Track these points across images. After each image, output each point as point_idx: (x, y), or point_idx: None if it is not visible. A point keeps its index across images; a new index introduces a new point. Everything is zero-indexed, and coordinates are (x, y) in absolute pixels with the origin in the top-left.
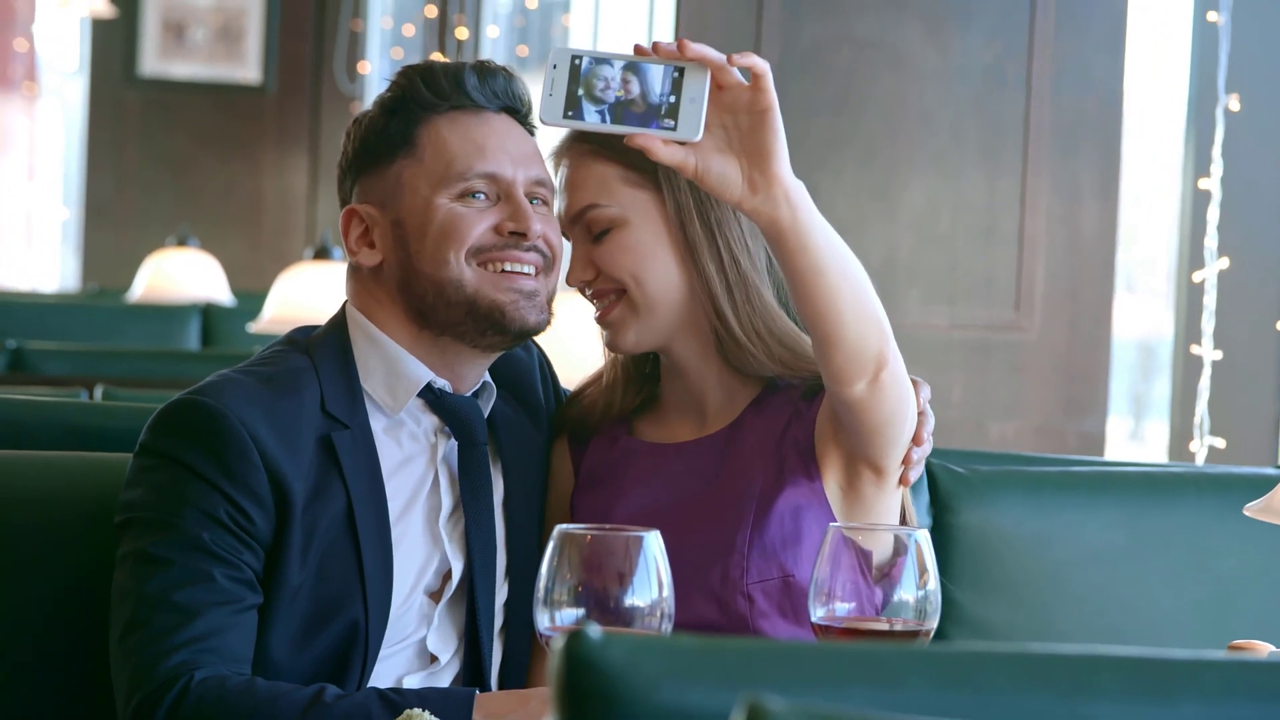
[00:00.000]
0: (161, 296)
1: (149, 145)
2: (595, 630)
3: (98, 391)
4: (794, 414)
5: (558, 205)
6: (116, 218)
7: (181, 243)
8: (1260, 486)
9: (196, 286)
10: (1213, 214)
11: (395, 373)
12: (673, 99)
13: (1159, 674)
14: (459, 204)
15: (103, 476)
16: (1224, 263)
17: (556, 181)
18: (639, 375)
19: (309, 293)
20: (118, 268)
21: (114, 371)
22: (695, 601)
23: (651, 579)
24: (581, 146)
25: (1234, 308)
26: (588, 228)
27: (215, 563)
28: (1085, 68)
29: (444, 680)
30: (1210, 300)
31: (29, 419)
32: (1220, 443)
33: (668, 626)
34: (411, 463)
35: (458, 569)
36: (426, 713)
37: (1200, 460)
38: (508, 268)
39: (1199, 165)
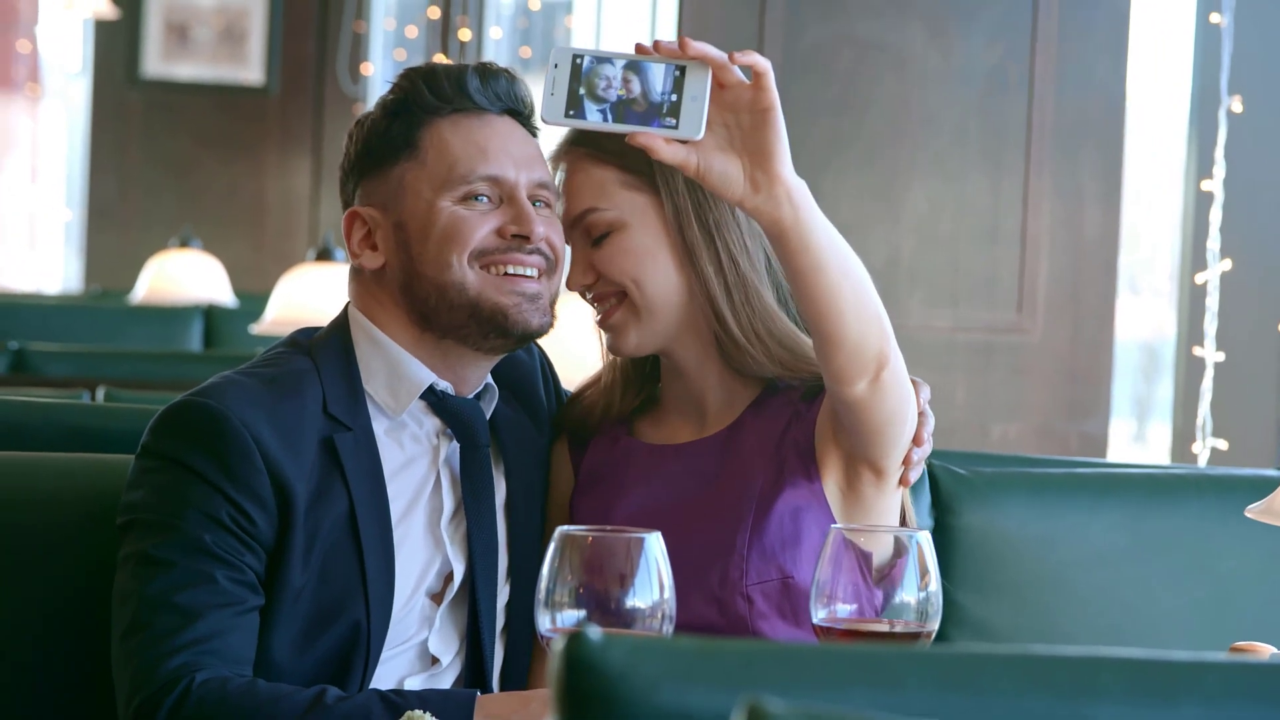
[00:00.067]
0: (164, 298)
1: (152, 146)
2: (595, 632)
3: (100, 393)
4: (794, 415)
5: (556, 209)
6: (119, 219)
7: (184, 244)
8: (1262, 488)
9: (199, 288)
10: (1215, 215)
11: (397, 375)
12: (674, 97)
13: (1160, 676)
14: (461, 207)
15: (104, 478)
16: (1226, 264)
17: None
18: (638, 377)
19: (311, 294)
20: (120, 269)
21: (116, 373)
22: (694, 602)
23: (652, 580)
24: (579, 151)
25: (1236, 309)
26: (587, 231)
27: (217, 564)
28: (1088, 69)
29: (445, 682)
30: (1213, 302)
31: (31, 420)
32: (1223, 444)
33: (669, 628)
34: (413, 464)
35: (459, 571)
36: (427, 714)
37: (1202, 462)
38: (510, 270)
39: (1201, 167)
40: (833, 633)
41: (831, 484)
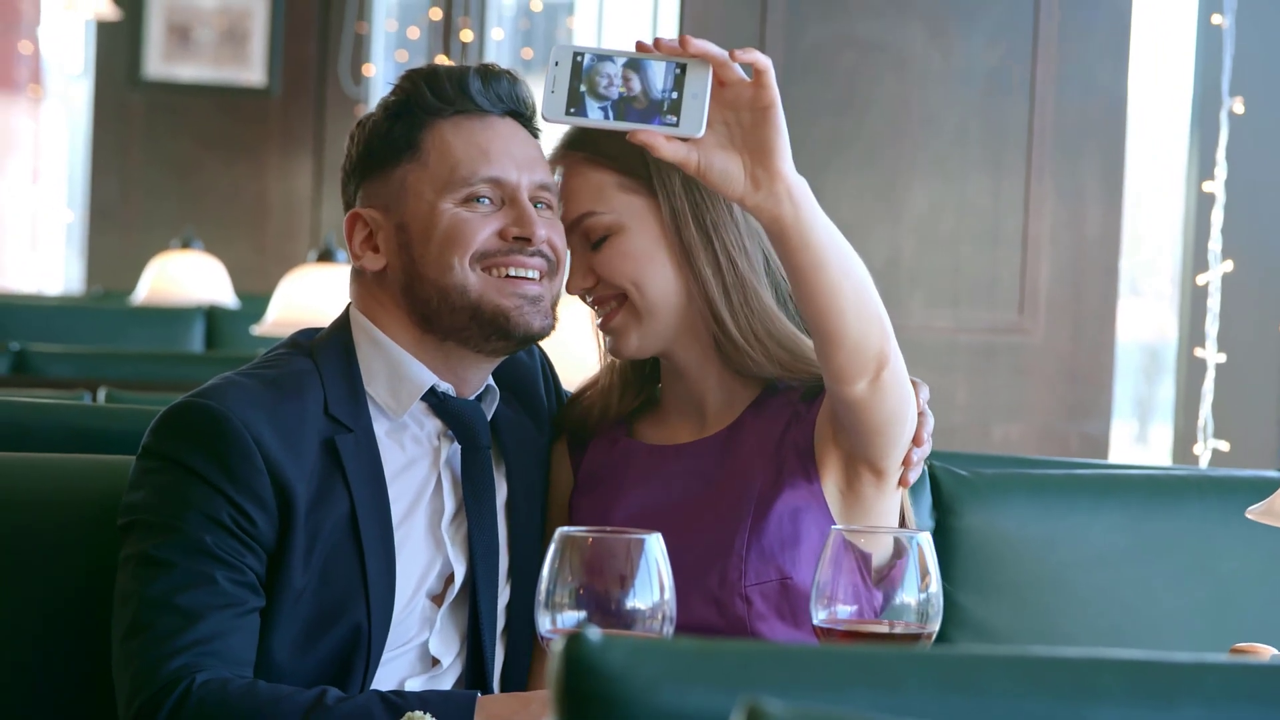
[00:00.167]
0: (166, 299)
1: (153, 148)
2: (595, 633)
3: (101, 394)
4: (793, 416)
5: (557, 211)
6: (121, 220)
7: (186, 245)
8: (1263, 489)
9: (201, 289)
10: (1216, 217)
11: (398, 376)
12: (675, 95)
13: (1161, 677)
14: (463, 209)
15: (106, 479)
16: (1228, 266)
17: None
18: (637, 379)
19: (313, 295)
20: (122, 270)
21: (118, 374)
22: (693, 603)
23: (653, 581)
24: (575, 155)
25: (1238, 311)
26: (585, 235)
27: (218, 566)
28: (1089, 70)
29: (446, 683)
30: (1214, 303)
31: (32, 421)
32: (1224, 445)
33: (669, 629)
34: (414, 466)
35: (460, 572)
36: (428, 715)
37: (1204, 463)
38: (512, 273)
39: (1203, 168)
40: (833, 634)
41: (831, 485)
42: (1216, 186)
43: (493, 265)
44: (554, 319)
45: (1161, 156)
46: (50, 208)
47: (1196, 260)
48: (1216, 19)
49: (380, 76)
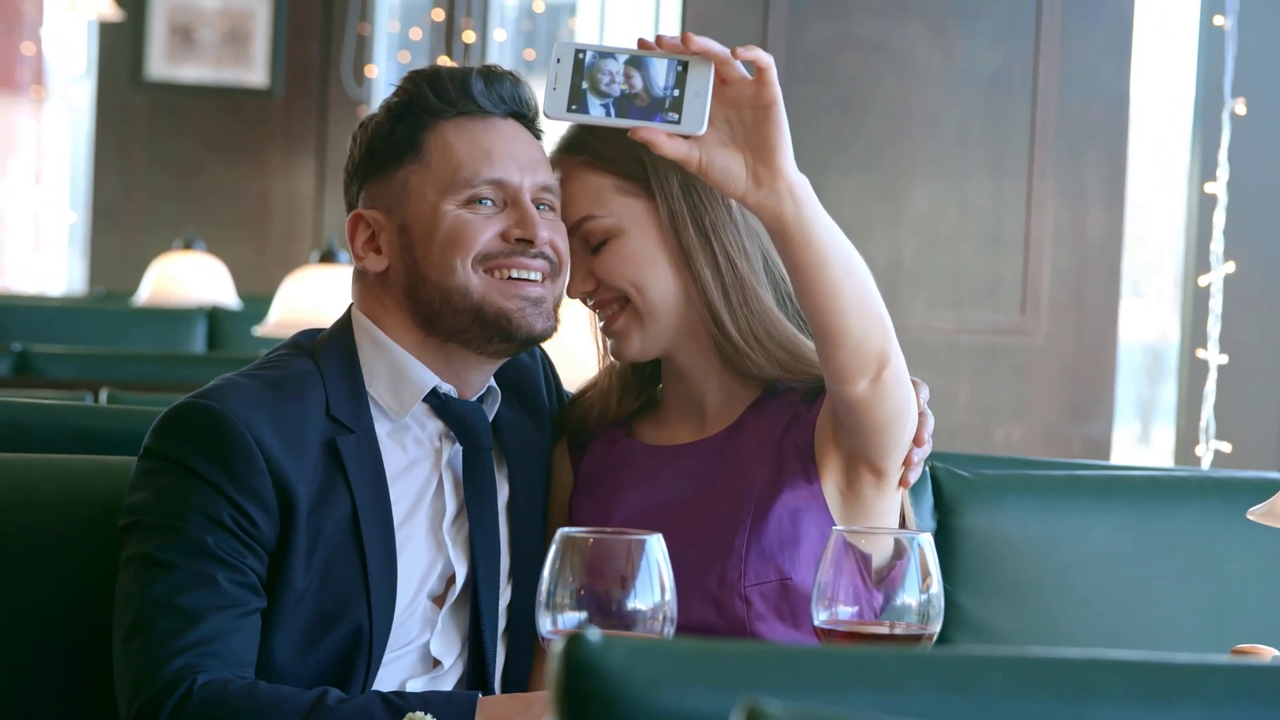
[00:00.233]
0: (168, 300)
1: (156, 148)
2: (594, 633)
3: (103, 395)
4: (793, 416)
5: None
6: (123, 221)
7: (188, 246)
8: (1264, 490)
9: (203, 290)
10: (1218, 218)
11: (400, 377)
12: (676, 93)
13: (1161, 678)
14: (466, 210)
15: (107, 480)
16: (1230, 267)
17: None
18: (637, 380)
19: (315, 296)
20: (124, 271)
21: (119, 375)
22: (693, 604)
23: (654, 582)
24: (572, 159)
25: (1240, 312)
26: (585, 239)
27: (219, 566)
28: (1091, 71)
29: (447, 684)
30: (1216, 304)
31: (34, 422)
32: (1226, 447)
33: (670, 630)
34: (416, 467)
35: (461, 574)
36: (429, 716)
37: (1206, 464)
38: (514, 274)
39: (1205, 169)
40: (834, 635)
41: (831, 485)
42: (1218, 188)
43: (495, 267)
44: (556, 321)
45: (1163, 157)
46: (53, 208)
47: (1198, 261)
48: (1219, 20)
49: (382, 77)
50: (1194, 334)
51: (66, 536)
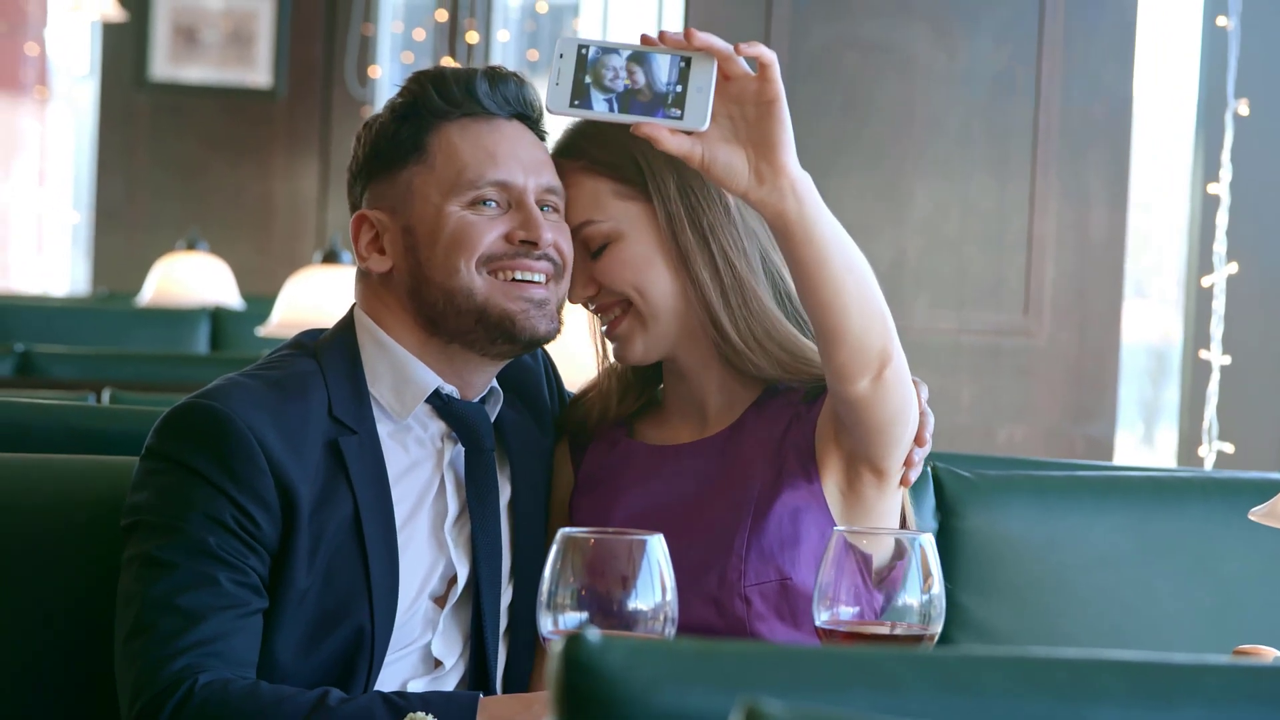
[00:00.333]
0: (171, 300)
1: (159, 149)
2: (594, 634)
3: (105, 395)
4: (794, 416)
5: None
6: (126, 221)
7: (191, 246)
8: (1266, 491)
9: (206, 290)
10: (1221, 219)
11: (403, 378)
12: (679, 88)
13: (1161, 678)
14: (470, 212)
15: (109, 480)
16: (1233, 268)
17: None
18: (638, 382)
19: (318, 297)
20: (127, 271)
21: (122, 375)
22: (693, 604)
23: (655, 583)
24: (571, 164)
25: (1243, 313)
26: (584, 244)
27: (220, 567)
28: (1094, 72)
29: (449, 685)
30: (1219, 305)
31: (36, 422)
32: (1229, 448)
33: (671, 630)
34: (418, 468)
35: (463, 574)
36: (430, 716)
37: (1209, 465)
38: (518, 276)
39: (1208, 170)
40: (835, 635)
41: (831, 485)
42: (1221, 188)
43: (499, 268)
44: (559, 323)
45: (1166, 158)
46: (56, 209)
47: (1201, 262)
48: (1221, 21)
49: (386, 78)
50: (1197, 335)
51: (68, 537)
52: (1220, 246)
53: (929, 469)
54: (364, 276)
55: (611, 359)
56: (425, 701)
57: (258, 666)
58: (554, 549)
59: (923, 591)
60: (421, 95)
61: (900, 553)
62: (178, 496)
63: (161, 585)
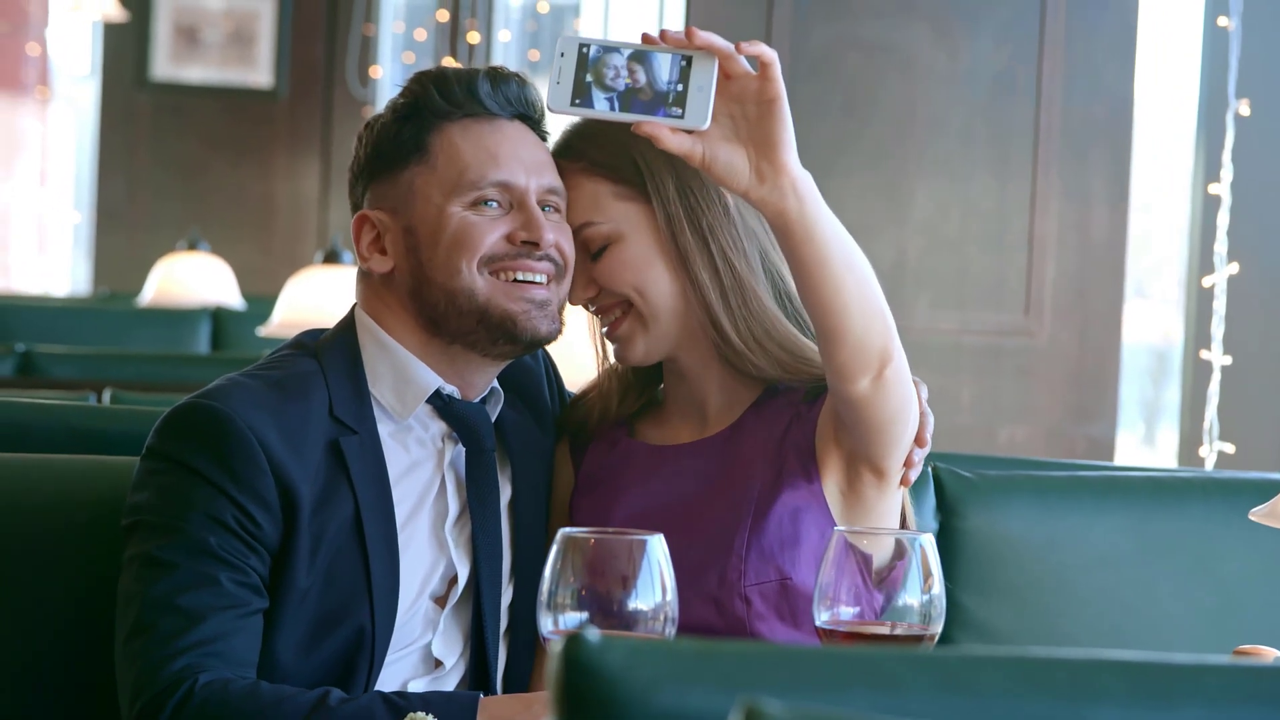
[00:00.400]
0: (172, 300)
1: (160, 149)
2: (593, 633)
3: (106, 395)
4: (795, 416)
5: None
6: (127, 221)
7: (192, 246)
8: (1267, 491)
9: (207, 290)
10: (1223, 219)
11: (404, 379)
12: (680, 87)
13: (1161, 678)
14: (471, 212)
15: (110, 480)
16: (1234, 268)
17: None
18: (638, 382)
19: (319, 297)
20: (128, 271)
21: (123, 375)
22: (692, 603)
23: (655, 583)
24: (569, 165)
25: (1244, 313)
26: (584, 246)
27: (221, 567)
28: (1095, 72)
29: (449, 685)
30: (1220, 305)
31: (37, 422)
32: (1230, 448)
33: (671, 630)
34: (418, 468)
35: (463, 574)
36: (430, 716)
37: (1209, 466)
38: (520, 277)
39: (1209, 170)
40: (836, 635)
41: (831, 485)
42: (1222, 189)
43: (500, 269)
44: (561, 323)
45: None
46: (57, 209)
47: (1202, 262)
48: (1223, 21)
49: (387, 78)
50: (1198, 335)
51: (69, 537)
52: (1221, 247)
53: (930, 469)
54: (365, 277)
55: (611, 360)
56: (425, 701)
57: (258, 666)
58: (554, 549)
59: (923, 591)
60: (423, 95)
61: (900, 553)
62: (178, 496)
63: (162, 585)
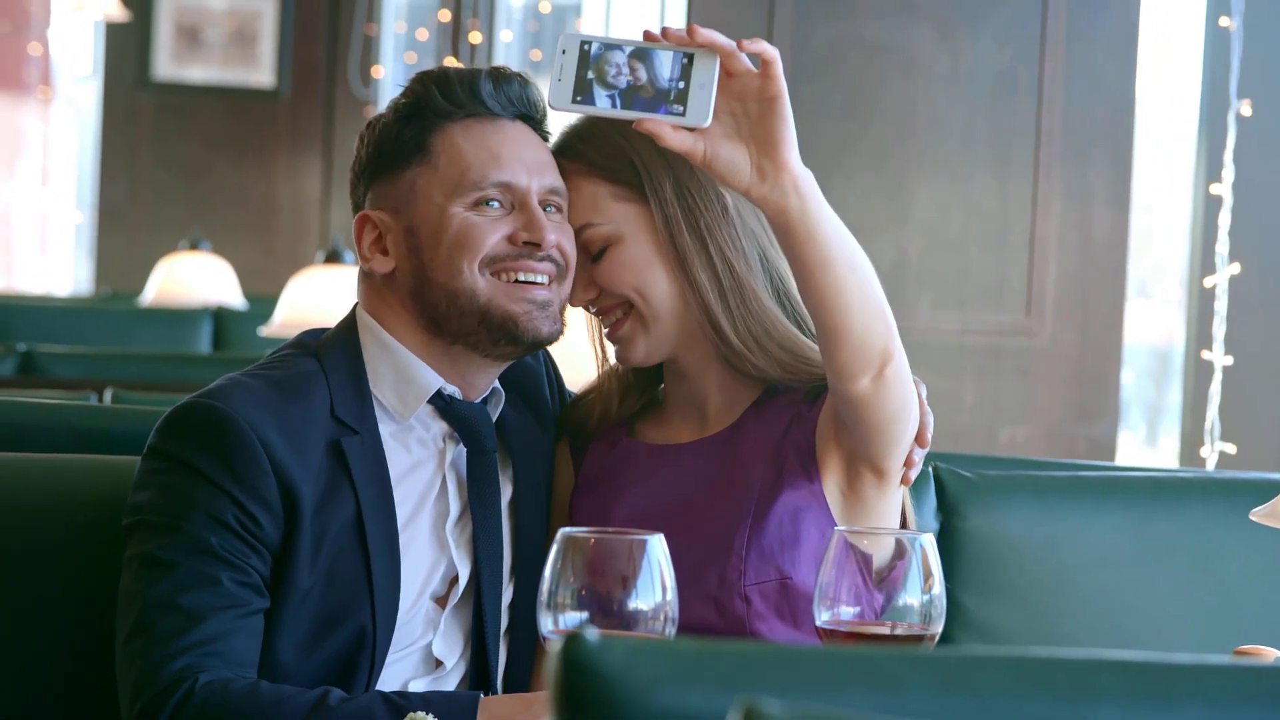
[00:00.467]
0: (173, 300)
1: (162, 149)
2: (592, 633)
3: (107, 395)
4: (795, 416)
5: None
6: (129, 221)
7: (194, 246)
8: (1267, 491)
9: (208, 290)
10: (1224, 219)
11: (405, 379)
12: (682, 85)
13: (1161, 678)
14: (473, 213)
15: (111, 479)
16: (1235, 268)
17: None
18: (639, 383)
19: (320, 296)
20: (130, 271)
21: (124, 375)
22: (692, 603)
23: (655, 582)
24: (569, 166)
25: (1245, 313)
26: (585, 248)
27: (222, 567)
28: (1097, 73)
29: (450, 685)
30: (1221, 305)
31: (38, 421)
32: (1231, 448)
33: (671, 630)
34: (420, 468)
35: (464, 574)
36: (431, 716)
37: (1210, 466)
38: (521, 278)
39: (1210, 170)
40: (836, 635)
41: (832, 485)
42: (1224, 189)
43: (502, 270)
44: (562, 324)
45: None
46: (59, 209)
47: (1204, 263)
48: (1224, 21)
49: (389, 78)
50: (1199, 335)
51: (70, 536)
52: (1222, 247)
53: (930, 469)
54: (366, 277)
55: (611, 361)
56: (426, 701)
57: (259, 666)
58: (554, 549)
59: (923, 591)
60: (425, 96)
61: (901, 553)
62: (180, 496)
63: (163, 585)
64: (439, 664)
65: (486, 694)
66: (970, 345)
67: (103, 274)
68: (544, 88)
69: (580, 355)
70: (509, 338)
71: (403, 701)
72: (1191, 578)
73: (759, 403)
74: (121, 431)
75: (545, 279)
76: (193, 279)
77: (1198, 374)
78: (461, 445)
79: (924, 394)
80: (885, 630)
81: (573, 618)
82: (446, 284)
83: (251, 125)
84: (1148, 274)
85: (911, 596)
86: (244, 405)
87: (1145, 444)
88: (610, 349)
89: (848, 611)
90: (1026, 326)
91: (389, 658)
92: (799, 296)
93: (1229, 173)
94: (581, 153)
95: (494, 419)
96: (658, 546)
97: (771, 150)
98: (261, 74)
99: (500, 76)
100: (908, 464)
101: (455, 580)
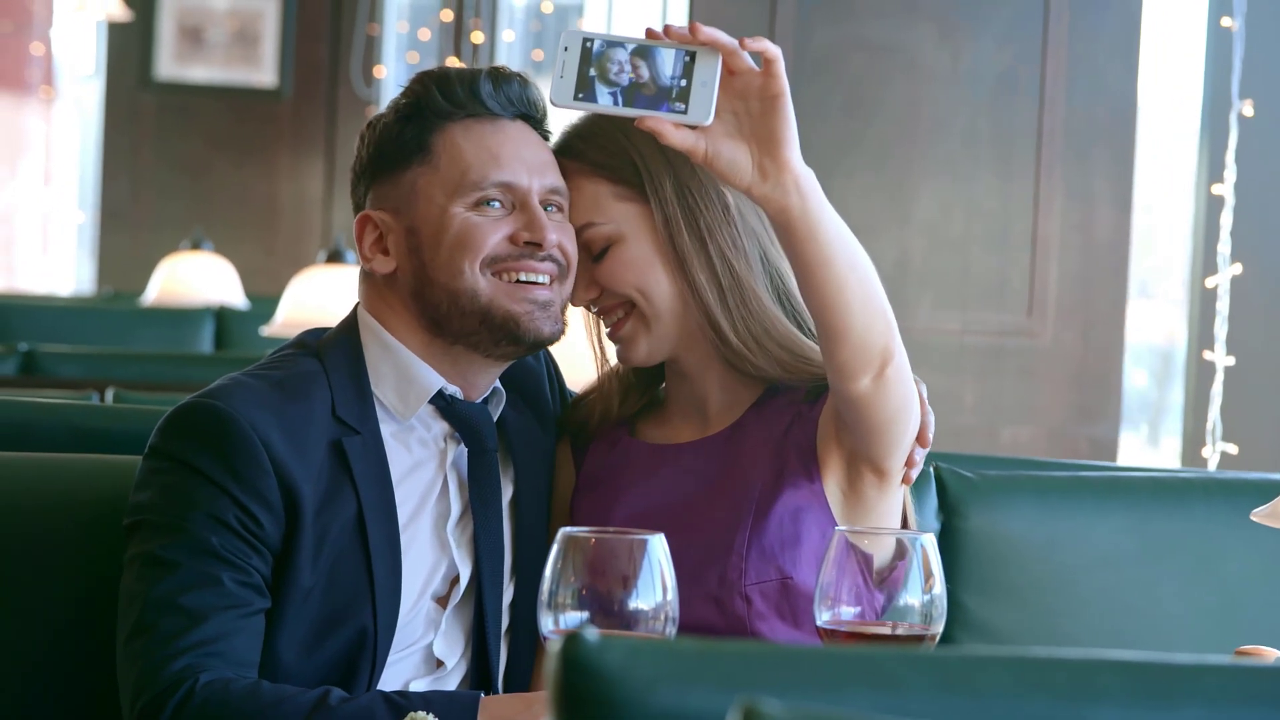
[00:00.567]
0: (175, 300)
1: (164, 149)
2: (592, 633)
3: (109, 394)
4: (796, 415)
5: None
6: (131, 221)
7: (196, 246)
8: (1268, 491)
9: (210, 290)
10: (1226, 220)
11: (407, 379)
12: (683, 82)
13: (1161, 678)
14: (474, 213)
15: (113, 479)
16: (1237, 268)
17: None
18: (639, 383)
19: (322, 296)
20: (132, 271)
21: (126, 374)
22: (693, 603)
23: (655, 582)
24: (571, 165)
25: (1247, 314)
26: (586, 247)
27: (223, 567)
28: (1099, 73)
29: (451, 684)
30: (1223, 306)
31: (40, 421)
32: (1233, 448)
33: (672, 630)
34: (421, 468)
35: (465, 574)
36: (431, 716)
37: (1212, 466)
38: (522, 278)
39: (1212, 171)
40: (837, 635)
41: (832, 484)
42: (1226, 189)
43: (503, 270)
44: (564, 324)
45: (1171, 159)
46: (61, 208)
47: (1205, 263)
48: (1226, 21)
49: (391, 78)
50: (1201, 336)
51: (71, 536)
52: (1224, 247)
53: (931, 469)
54: (367, 277)
55: (612, 361)
56: (426, 701)
57: (260, 666)
58: (555, 548)
59: (924, 591)
60: (425, 96)
61: (902, 553)
62: (181, 496)
63: (164, 585)
64: (440, 664)
65: (487, 694)
66: (971, 345)
67: (105, 274)
68: (546, 87)
69: (580, 355)
70: (510, 338)
71: (403, 701)
72: (1193, 578)
73: (760, 402)
74: (123, 431)
75: (547, 279)
76: (194, 279)
77: (1199, 374)
78: (462, 445)
79: (925, 393)
80: (886, 630)
81: (573, 617)
82: (448, 284)
83: (254, 125)
84: (1149, 274)
85: (912, 596)
86: (245, 405)
87: (1147, 444)
88: (611, 349)
89: (848, 611)
90: (1028, 327)
91: (390, 658)
92: (799, 296)
93: (1231, 173)
94: (582, 152)
95: (495, 419)
96: (658, 546)
97: (773, 149)
98: (264, 74)
99: (500, 76)
100: (909, 464)
101: (456, 580)
